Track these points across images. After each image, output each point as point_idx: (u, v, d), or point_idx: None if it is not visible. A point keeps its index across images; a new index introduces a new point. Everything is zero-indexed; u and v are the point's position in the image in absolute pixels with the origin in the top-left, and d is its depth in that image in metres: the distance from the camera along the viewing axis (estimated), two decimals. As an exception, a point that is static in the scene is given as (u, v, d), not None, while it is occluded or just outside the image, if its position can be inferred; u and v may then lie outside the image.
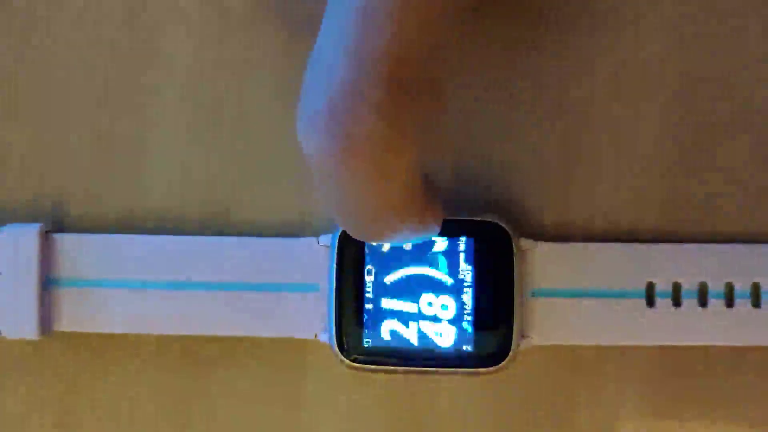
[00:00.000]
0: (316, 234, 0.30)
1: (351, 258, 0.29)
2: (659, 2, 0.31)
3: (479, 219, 0.29)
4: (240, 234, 0.31)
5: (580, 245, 0.30)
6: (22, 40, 0.32)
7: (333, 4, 0.23)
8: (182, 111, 0.31)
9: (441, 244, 0.29)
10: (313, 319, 0.30)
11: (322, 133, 0.22)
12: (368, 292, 0.29)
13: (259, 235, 0.30)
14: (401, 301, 0.29)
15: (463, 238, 0.29)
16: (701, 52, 0.31)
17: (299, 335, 0.30)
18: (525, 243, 0.30)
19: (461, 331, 0.29)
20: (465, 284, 0.29)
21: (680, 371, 0.30)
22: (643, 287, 0.30)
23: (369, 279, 0.29)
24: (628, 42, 0.31)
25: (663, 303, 0.30)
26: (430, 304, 0.29)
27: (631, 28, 0.31)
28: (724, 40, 0.31)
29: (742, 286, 0.30)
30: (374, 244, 0.28)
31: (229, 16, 0.31)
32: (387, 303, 0.29)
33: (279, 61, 0.31)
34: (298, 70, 0.31)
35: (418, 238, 0.26)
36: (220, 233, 0.31)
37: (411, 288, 0.29)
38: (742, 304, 0.30)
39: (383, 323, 0.29)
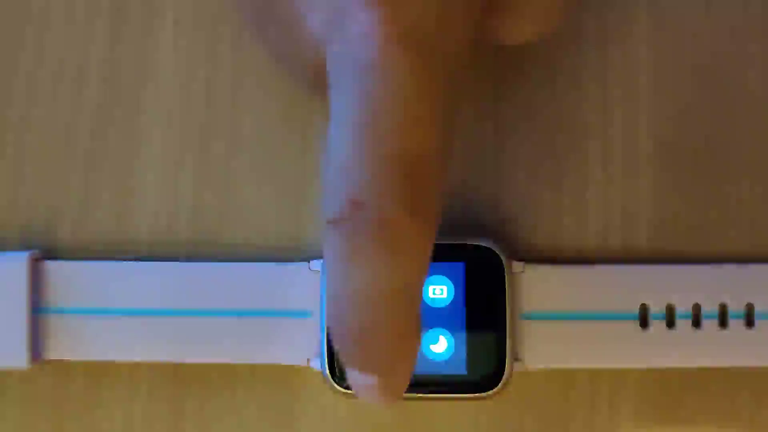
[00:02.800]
0: (308, 259, 0.30)
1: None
2: (648, 24, 0.31)
3: (471, 243, 0.29)
4: (230, 259, 0.30)
5: (572, 267, 0.30)
6: (8, 68, 0.31)
7: (335, 121, 0.23)
8: (171, 136, 0.31)
9: (433, 268, 0.29)
10: (305, 345, 0.29)
11: (349, 231, 0.22)
12: (360, 318, 0.29)
13: (250, 260, 0.30)
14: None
15: (454, 263, 0.29)
16: (694, 73, 0.31)
17: (291, 362, 0.30)
18: (517, 266, 0.29)
19: (454, 356, 0.29)
20: (457, 309, 0.29)
21: (675, 393, 0.30)
22: (636, 309, 0.29)
23: (361, 304, 0.29)
24: (618, 64, 0.31)
25: (657, 325, 0.29)
26: (422, 329, 0.29)
27: (620, 51, 0.31)
28: (720, 60, 0.31)
29: (735, 307, 0.29)
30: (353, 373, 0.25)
31: (219, 39, 0.31)
32: (379, 328, 0.29)
33: (270, 85, 0.31)
34: (289, 93, 0.31)
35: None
36: (211, 259, 0.31)
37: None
38: (736, 325, 0.29)
39: (375, 349, 0.29)
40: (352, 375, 0.24)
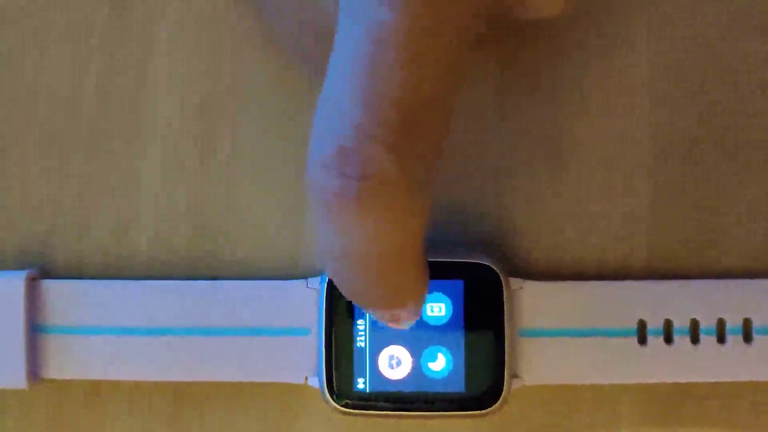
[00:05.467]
0: (306, 277, 0.30)
1: (341, 301, 0.29)
2: (649, 34, 0.31)
3: (469, 261, 0.29)
4: (228, 278, 0.30)
5: (569, 284, 0.30)
6: (4, 87, 0.31)
7: (338, 52, 0.22)
8: (169, 152, 0.31)
9: (431, 286, 0.29)
10: (302, 363, 0.29)
11: (335, 176, 0.22)
12: (358, 336, 0.29)
13: (248, 278, 0.30)
14: (391, 345, 0.29)
15: (453, 281, 0.29)
16: (694, 85, 0.31)
17: (289, 380, 0.30)
18: (515, 283, 0.29)
19: (453, 373, 0.29)
20: (456, 326, 0.29)
21: (674, 404, 0.30)
22: (634, 325, 0.29)
23: (359, 322, 0.29)
24: (618, 76, 0.31)
25: (655, 341, 0.29)
26: (420, 347, 0.29)
27: (620, 62, 0.31)
28: (717, 71, 0.31)
29: (733, 322, 0.30)
30: (369, 311, 0.26)
31: (219, 50, 0.31)
32: (377, 347, 0.29)
33: (269, 99, 0.31)
34: (288, 107, 0.31)
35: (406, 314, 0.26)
36: (209, 277, 0.31)
37: (401, 331, 0.29)
38: (734, 341, 0.29)
39: (374, 367, 0.29)
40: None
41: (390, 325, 0.25)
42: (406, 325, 0.26)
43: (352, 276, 0.24)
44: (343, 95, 0.22)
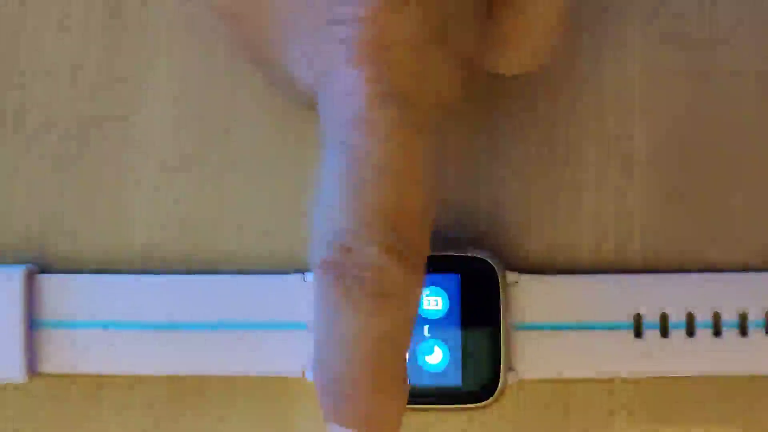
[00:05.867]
0: (303, 271, 0.30)
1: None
2: (642, 36, 0.31)
3: (466, 255, 0.29)
4: (226, 272, 0.30)
5: (566, 277, 0.30)
6: (1, 82, 0.32)
7: (326, 165, 0.24)
8: (165, 147, 0.31)
9: (428, 280, 0.29)
10: (300, 356, 0.29)
11: (336, 277, 0.23)
12: (355, 330, 0.29)
13: (245, 272, 0.30)
14: (388, 339, 0.29)
15: (449, 275, 0.29)
16: (688, 83, 0.31)
17: (286, 373, 0.30)
18: (511, 277, 0.30)
19: (449, 367, 0.29)
20: (452, 320, 0.29)
21: (669, 399, 0.30)
22: (630, 318, 0.30)
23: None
24: (612, 76, 0.31)
25: (651, 334, 0.30)
26: (417, 340, 0.29)
27: (614, 62, 0.31)
28: (714, 69, 0.31)
29: (729, 315, 0.30)
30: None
31: (215, 51, 0.31)
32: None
33: (264, 97, 0.31)
34: (284, 104, 0.31)
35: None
36: (206, 271, 0.31)
37: (398, 325, 0.29)
38: (730, 333, 0.30)
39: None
40: (333, 429, 0.24)
41: None
42: None
43: (345, 363, 0.24)
44: (337, 208, 0.23)
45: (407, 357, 0.24)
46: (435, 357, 0.29)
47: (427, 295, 0.29)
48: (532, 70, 0.28)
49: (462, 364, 0.29)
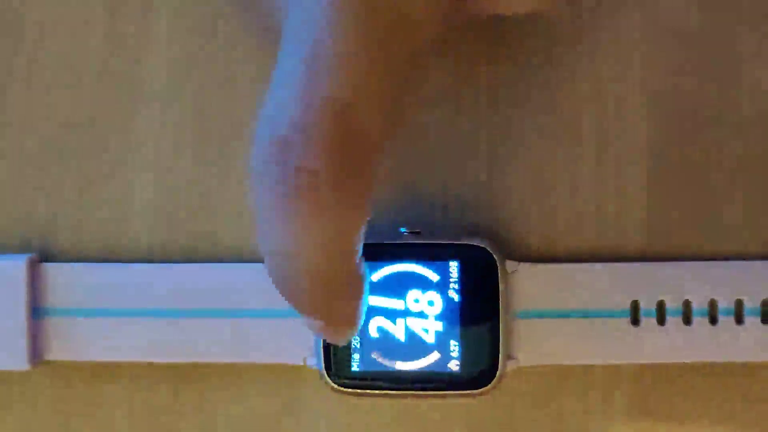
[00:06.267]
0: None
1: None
2: (642, 25, 0.31)
3: (464, 243, 0.30)
4: (227, 260, 0.31)
5: (564, 266, 0.30)
6: (5, 73, 0.32)
7: (285, 49, 0.23)
8: (167, 137, 0.31)
9: (426, 268, 0.29)
10: (301, 344, 0.30)
11: (272, 165, 0.22)
12: (355, 317, 0.29)
13: (247, 261, 0.31)
14: (388, 325, 0.29)
15: (448, 262, 0.29)
16: (688, 72, 0.31)
17: (288, 361, 0.30)
18: (510, 265, 0.30)
19: (448, 354, 0.29)
20: (451, 308, 0.29)
21: (667, 389, 0.31)
22: (627, 306, 0.30)
23: (356, 303, 0.29)
24: (611, 64, 0.31)
25: (648, 322, 0.30)
26: (417, 327, 0.29)
27: (613, 51, 0.31)
28: (716, 58, 0.31)
29: (725, 304, 0.30)
30: (304, 318, 0.26)
31: (212, 41, 0.32)
32: (374, 326, 0.29)
33: (264, 87, 0.31)
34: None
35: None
36: (208, 260, 0.31)
37: (398, 311, 0.29)
38: (726, 321, 0.30)
39: (371, 347, 0.29)
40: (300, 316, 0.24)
41: (325, 337, 0.26)
42: (339, 339, 0.26)
43: (286, 270, 0.24)
44: (284, 94, 0.22)
45: (357, 254, 0.24)
46: (434, 344, 0.29)
47: (425, 284, 0.29)
48: (534, 8, 0.27)
49: (461, 351, 0.29)
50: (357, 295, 0.25)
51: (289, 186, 0.22)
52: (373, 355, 0.29)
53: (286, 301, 0.24)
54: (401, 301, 0.29)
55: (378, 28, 0.22)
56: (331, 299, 0.24)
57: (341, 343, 0.27)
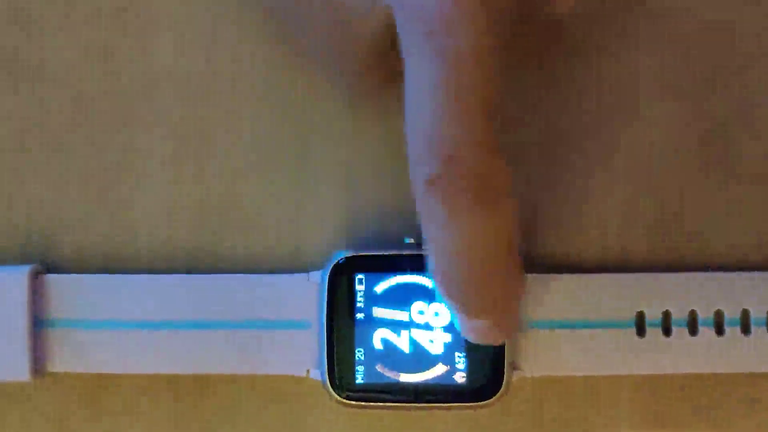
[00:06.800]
0: (307, 270, 0.30)
1: (342, 294, 0.29)
2: (648, 31, 0.31)
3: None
4: (230, 271, 0.31)
5: (569, 276, 0.30)
6: (6, 84, 0.32)
7: (414, 85, 0.24)
8: (169, 146, 0.31)
9: (432, 279, 0.29)
10: (304, 356, 0.30)
11: (446, 195, 0.24)
12: (360, 329, 0.29)
13: (249, 271, 0.30)
14: (393, 337, 0.29)
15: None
16: (693, 80, 0.31)
17: (291, 372, 0.30)
18: (515, 275, 0.30)
19: (453, 366, 0.29)
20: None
21: (670, 399, 0.31)
22: (633, 317, 0.30)
23: (360, 315, 0.29)
24: (617, 72, 0.31)
25: (653, 332, 0.30)
26: (421, 338, 0.29)
27: (619, 57, 0.31)
28: (721, 65, 0.31)
29: (731, 314, 0.30)
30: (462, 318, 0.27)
31: (216, 46, 0.31)
32: (378, 339, 0.29)
33: (268, 96, 0.31)
34: (287, 104, 0.31)
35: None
36: (210, 270, 0.31)
37: (402, 324, 0.29)
38: (732, 332, 0.30)
39: (375, 359, 0.29)
40: (466, 322, 0.26)
41: (490, 339, 0.27)
42: (494, 339, 0.27)
43: (453, 271, 0.25)
44: (434, 120, 0.23)
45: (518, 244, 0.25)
46: (439, 356, 0.29)
47: (430, 295, 0.29)
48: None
49: (467, 362, 0.29)
50: (522, 291, 0.27)
51: (465, 196, 0.23)
52: (378, 367, 0.29)
53: (454, 310, 0.26)
54: (406, 313, 0.29)
55: (496, 28, 0.24)
56: (502, 295, 0.25)
57: (505, 338, 0.28)
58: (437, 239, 0.24)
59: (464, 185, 0.23)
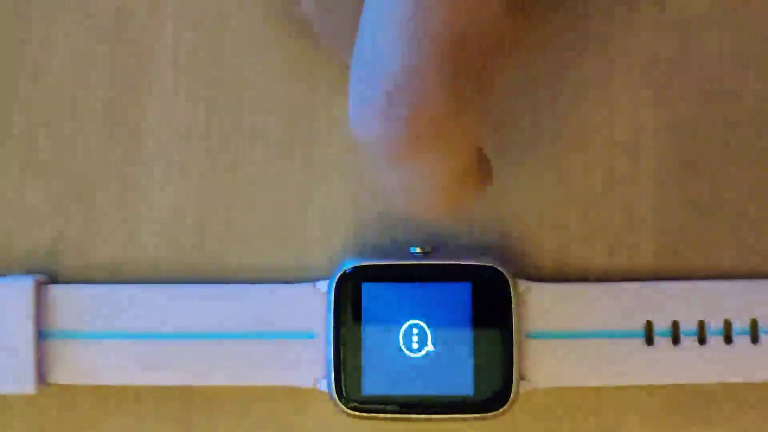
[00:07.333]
0: (313, 280, 0.30)
1: (348, 304, 0.29)
2: (652, 36, 0.31)
3: (476, 263, 0.29)
4: (235, 281, 0.30)
5: (577, 285, 0.30)
6: (9, 92, 0.31)
7: (375, 3, 0.22)
8: (174, 158, 0.31)
9: (438, 289, 0.29)
10: (311, 366, 0.29)
11: (385, 120, 0.21)
12: (366, 339, 0.29)
13: (255, 281, 0.30)
14: (400, 348, 0.29)
15: (460, 283, 0.29)
16: (697, 86, 0.31)
17: (297, 383, 0.30)
18: (522, 285, 0.29)
19: (461, 376, 0.29)
20: (463, 329, 0.29)
21: (680, 410, 0.30)
22: (641, 326, 0.30)
23: (367, 325, 0.29)
24: (620, 79, 0.31)
25: (662, 341, 0.30)
26: (429, 349, 0.29)
27: (622, 65, 0.31)
28: (722, 73, 0.31)
29: (740, 323, 0.30)
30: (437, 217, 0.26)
31: (223, 52, 0.31)
32: (385, 349, 0.29)
33: (275, 99, 0.31)
34: (291, 113, 0.31)
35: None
36: (216, 281, 0.31)
37: (409, 334, 0.29)
38: (741, 341, 0.30)
39: (382, 370, 0.29)
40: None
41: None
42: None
43: (414, 199, 0.24)
44: (386, 40, 0.21)
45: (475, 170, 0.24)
46: (446, 366, 0.29)
47: (437, 304, 0.29)
48: None
49: (474, 373, 0.29)
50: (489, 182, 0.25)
51: (411, 128, 0.21)
52: (385, 378, 0.29)
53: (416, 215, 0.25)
54: (413, 322, 0.29)
55: None
56: (466, 193, 0.24)
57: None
58: (377, 166, 0.22)
59: (400, 132, 0.21)
